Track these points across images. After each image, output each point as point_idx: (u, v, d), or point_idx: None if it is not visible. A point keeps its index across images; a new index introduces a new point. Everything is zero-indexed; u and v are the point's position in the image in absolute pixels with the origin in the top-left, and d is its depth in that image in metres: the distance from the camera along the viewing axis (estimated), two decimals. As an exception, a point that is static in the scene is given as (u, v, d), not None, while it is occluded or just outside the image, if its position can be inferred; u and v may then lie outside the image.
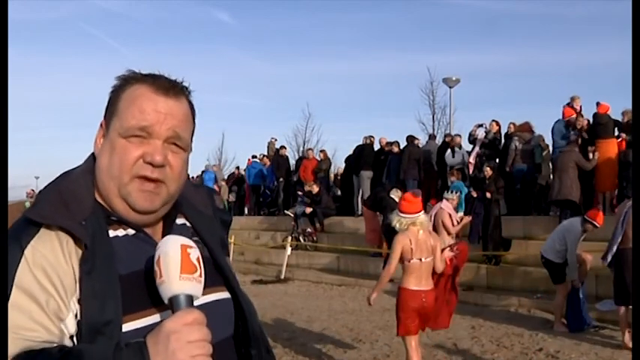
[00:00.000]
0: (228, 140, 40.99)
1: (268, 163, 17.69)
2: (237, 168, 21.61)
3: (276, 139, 19.20)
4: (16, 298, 1.00)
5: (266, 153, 18.66)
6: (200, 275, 1.06)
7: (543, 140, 11.83)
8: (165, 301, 1.05)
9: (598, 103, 10.60)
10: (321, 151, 17.39)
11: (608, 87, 40.22)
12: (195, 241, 1.17)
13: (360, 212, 14.89)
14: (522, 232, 11.10)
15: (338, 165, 18.21)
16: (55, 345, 1.00)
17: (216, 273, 1.24)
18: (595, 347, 6.73)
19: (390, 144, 14.39)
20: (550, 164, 11.51)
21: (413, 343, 5.22)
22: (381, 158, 14.41)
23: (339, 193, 16.76)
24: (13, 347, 0.97)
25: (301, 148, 29.13)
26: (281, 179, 17.08)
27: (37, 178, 46.89)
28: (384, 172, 14.10)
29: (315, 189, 14.75)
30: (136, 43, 54.55)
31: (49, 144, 73.97)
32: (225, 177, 21.50)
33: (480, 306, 9.40)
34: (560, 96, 41.95)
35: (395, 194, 12.04)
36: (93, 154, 1.20)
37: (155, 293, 1.06)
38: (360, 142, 15.18)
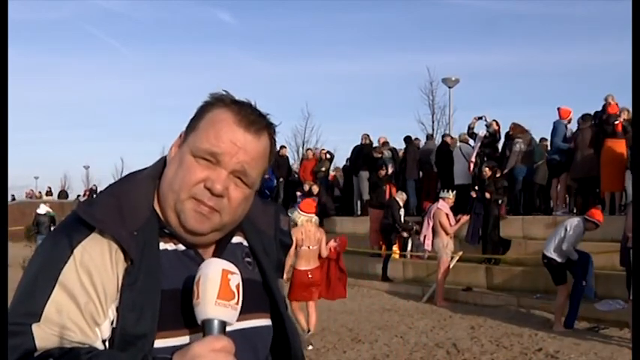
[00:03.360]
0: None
1: (269, 162, 17.63)
2: None
3: (272, 139, 19.10)
4: (57, 295, 1.01)
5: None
6: (237, 303, 1.05)
7: (541, 143, 11.85)
8: (199, 322, 1.03)
9: (609, 103, 10.52)
10: (328, 152, 17.31)
11: (608, 87, 40.27)
12: (248, 262, 1.17)
13: (359, 212, 14.88)
14: (521, 232, 11.11)
15: (337, 165, 18.16)
16: (86, 346, 1.01)
17: (265, 296, 1.23)
18: (595, 347, 6.72)
19: (381, 147, 14.43)
20: (546, 168, 11.54)
21: (297, 306, 7.11)
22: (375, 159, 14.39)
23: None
24: (46, 342, 0.99)
25: (300, 149, 29.15)
26: (281, 179, 17.07)
27: (36, 178, 46.84)
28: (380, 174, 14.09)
29: (315, 189, 14.75)
30: (137, 43, 54.67)
31: (49, 144, 73.95)
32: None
33: (480, 306, 9.40)
34: (560, 96, 42.03)
35: (399, 197, 12.11)
36: (164, 158, 1.20)
37: (192, 313, 1.05)
38: (359, 143, 15.16)
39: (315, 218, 7.11)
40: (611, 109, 10.33)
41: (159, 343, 1.05)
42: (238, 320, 1.07)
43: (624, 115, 10.11)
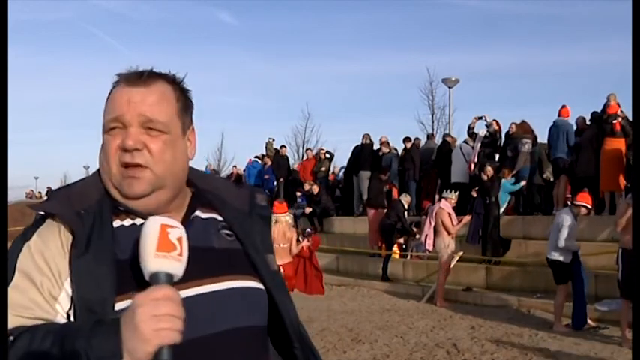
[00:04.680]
0: (227, 140, 40.89)
1: (269, 163, 17.65)
2: (234, 167, 21.80)
3: (273, 140, 19.17)
4: (16, 279, 1.11)
5: (264, 153, 18.62)
6: (180, 254, 1.07)
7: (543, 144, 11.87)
8: (147, 279, 1.07)
9: (609, 103, 10.48)
10: (328, 152, 17.29)
11: (608, 87, 40.23)
12: (226, 234, 1.25)
13: (359, 212, 14.88)
14: (522, 232, 11.11)
15: (336, 165, 18.18)
16: (47, 321, 1.08)
17: (249, 266, 1.27)
18: (595, 347, 6.72)
19: (382, 145, 14.49)
20: (550, 169, 11.53)
21: None
22: (379, 156, 14.40)
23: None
24: (11, 323, 1.07)
25: (300, 149, 29.16)
26: (281, 179, 17.06)
27: (36, 178, 46.77)
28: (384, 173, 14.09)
29: (316, 189, 14.76)
30: (137, 43, 54.52)
31: (49, 144, 73.87)
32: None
33: (480, 306, 9.39)
34: (560, 96, 42.03)
35: (404, 199, 12.12)
36: None
37: None
38: (359, 143, 15.15)
39: (285, 218, 7.88)
40: (611, 109, 10.32)
41: (121, 305, 1.08)
42: (224, 280, 1.17)
43: (621, 114, 10.12)
